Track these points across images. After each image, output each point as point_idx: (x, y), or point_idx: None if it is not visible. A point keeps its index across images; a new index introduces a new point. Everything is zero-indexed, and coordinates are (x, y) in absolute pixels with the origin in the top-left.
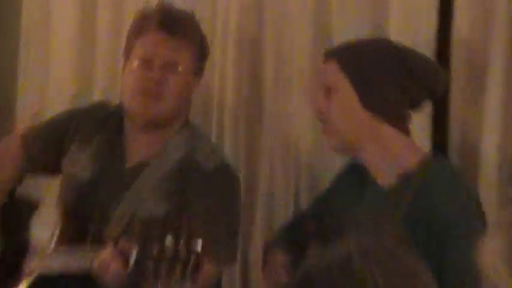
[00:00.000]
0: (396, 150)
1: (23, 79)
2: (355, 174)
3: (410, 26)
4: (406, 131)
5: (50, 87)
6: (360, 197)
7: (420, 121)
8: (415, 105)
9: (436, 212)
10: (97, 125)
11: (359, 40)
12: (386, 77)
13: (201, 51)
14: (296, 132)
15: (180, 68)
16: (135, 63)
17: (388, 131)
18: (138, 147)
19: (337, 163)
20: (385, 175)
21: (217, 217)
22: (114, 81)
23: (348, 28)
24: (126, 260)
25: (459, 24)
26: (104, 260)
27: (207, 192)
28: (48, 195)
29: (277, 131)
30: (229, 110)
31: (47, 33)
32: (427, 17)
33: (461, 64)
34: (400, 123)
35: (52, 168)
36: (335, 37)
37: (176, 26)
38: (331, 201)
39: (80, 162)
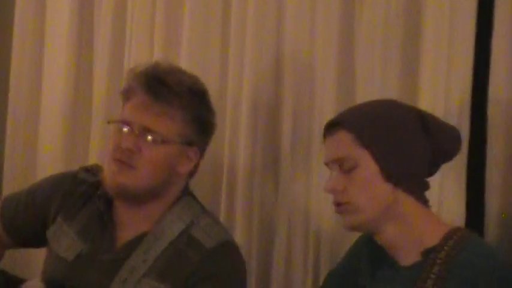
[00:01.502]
0: (420, 227)
1: (15, 84)
2: (368, 250)
3: (443, 88)
4: (425, 201)
5: (43, 92)
6: (374, 274)
7: (454, 187)
8: (432, 170)
9: (467, 282)
10: (84, 196)
11: (367, 104)
12: (407, 143)
13: (197, 120)
14: (315, 202)
15: (156, 137)
16: (117, 127)
17: (410, 205)
18: (129, 223)
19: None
20: (407, 253)
21: None
22: (113, 83)
23: (374, 91)
24: None
25: (496, 84)
26: None
27: (207, 275)
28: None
29: (295, 201)
30: (242, 177)
31: (41, 34)
32: (462, 77)
33: (498, 126)
34: (421, 193)
35: (36, 242)
36: (359, 101)
37: (162, 89)
38: (345, 280)
39: (65, 238)
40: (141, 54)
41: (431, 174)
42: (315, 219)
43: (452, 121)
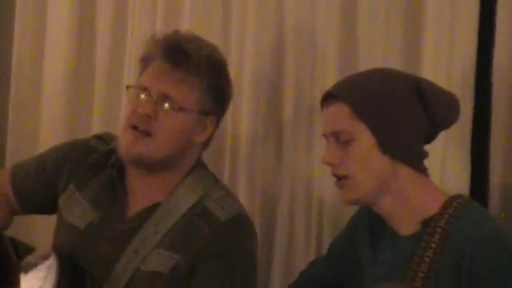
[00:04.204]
0: (418, 197)
1: (18, 54)
2: (369, 220)
3: (446, 57)
4: (423, 170)
5: (45, 62)
6: (375, 245)
7: (458, 157)
8: (430, 138)
9: (465, 254)
10: (96, 164)
11: (364, 76)
12: (404, 114)
13: (215, 90)
14: (318, 171)
15: (174, 104)
16: (134, 93)
17: (408, 176)
18: (142, 192)
19: None
20: (407, 224)
21: (230, 279)
22: (116, 53)
23: (376, 61)
24: None
25: (500, 53)
26: None
27: (219, 247)
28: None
29: (298, 169)
30: (245, 147)
31: (43, 30)
32: (466, 46)
33: (502, 94)
34: (419, 163)
35: (45, 208)
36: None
37: (182, 57)
38: (347, 251)
39: (77, 207)
40: (143, 24)
41: (429, 141)
42: (318, 187)
43: (456, 90)
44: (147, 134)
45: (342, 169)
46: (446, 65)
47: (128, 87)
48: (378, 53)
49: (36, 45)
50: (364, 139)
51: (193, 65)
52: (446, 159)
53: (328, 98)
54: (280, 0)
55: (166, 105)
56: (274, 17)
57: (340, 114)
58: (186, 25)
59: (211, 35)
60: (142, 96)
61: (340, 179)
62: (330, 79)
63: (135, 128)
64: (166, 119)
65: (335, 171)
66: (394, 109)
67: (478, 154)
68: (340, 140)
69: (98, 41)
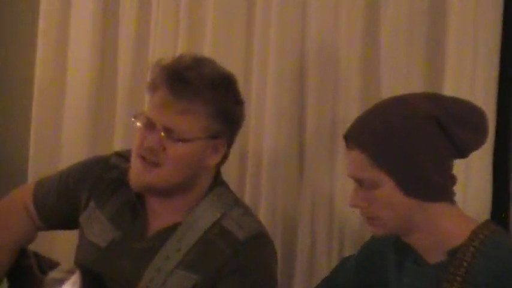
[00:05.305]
0: (445, 228)
1: (40, 76)
2: (394, 239)
3: (468, 81)
4: (450, 197)
5: (67, 83)
6: (400, 265)
7: (480, 177)
8: (462, 157)
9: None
10: (115, 181)
11: (378, 115)
12: (425, 153)
13: (223, 112)
14: (340, 190)
15: (179, 136)
16: (141, 121)
17: (435, 210)
18: (161, 212)
19: None
20: (433, 252)
21: None
22: (138, 75)
23: (399, 82)
24: None
25: None
26: None
27: (237, 267)
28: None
29: (319, 189)
30: (266, 166)
31: (66, 28)
32: (489, 64)
33: None
34: (445, 192)
35: (68, 225)
36: (383, 93)
37: (183, 86)
38: (369, 262)
39: (97, 224)
40: (165, 47)
41: (463, 157)
42: (339, 206)
43: None
44: (155, 165)
45: (370, 212)
46: (469, 84)
47: (134, 116)
48: (400, 71)
49: (59, 69)
50: (386, 185)
51: (195, 93)
52: (468, 177)
53: (346, 140)
54: (302, 18)
55: (171, 137)
56: (297, 35)
57: (359, 162)
58: (209, 42)
59: (234, 53)
60: (148, 127)
61: (370, 219)
62: (352, 97)
63: (143, 158)
64: (173, 150)
65: (364, 213)
66: (413, 150)
67: (499, 171)
68: (363, 185)
69: (120, 58)
